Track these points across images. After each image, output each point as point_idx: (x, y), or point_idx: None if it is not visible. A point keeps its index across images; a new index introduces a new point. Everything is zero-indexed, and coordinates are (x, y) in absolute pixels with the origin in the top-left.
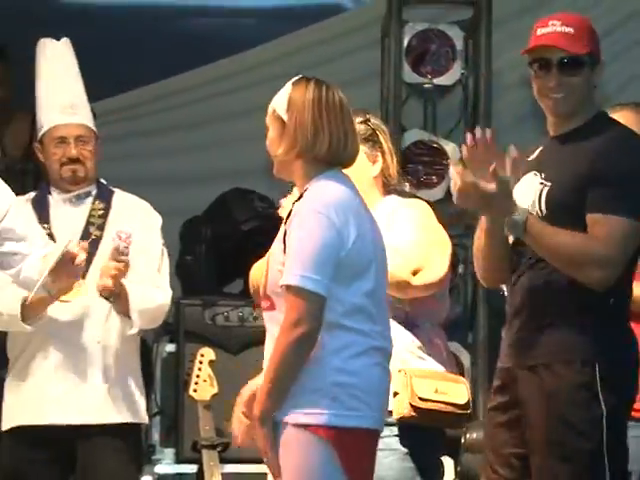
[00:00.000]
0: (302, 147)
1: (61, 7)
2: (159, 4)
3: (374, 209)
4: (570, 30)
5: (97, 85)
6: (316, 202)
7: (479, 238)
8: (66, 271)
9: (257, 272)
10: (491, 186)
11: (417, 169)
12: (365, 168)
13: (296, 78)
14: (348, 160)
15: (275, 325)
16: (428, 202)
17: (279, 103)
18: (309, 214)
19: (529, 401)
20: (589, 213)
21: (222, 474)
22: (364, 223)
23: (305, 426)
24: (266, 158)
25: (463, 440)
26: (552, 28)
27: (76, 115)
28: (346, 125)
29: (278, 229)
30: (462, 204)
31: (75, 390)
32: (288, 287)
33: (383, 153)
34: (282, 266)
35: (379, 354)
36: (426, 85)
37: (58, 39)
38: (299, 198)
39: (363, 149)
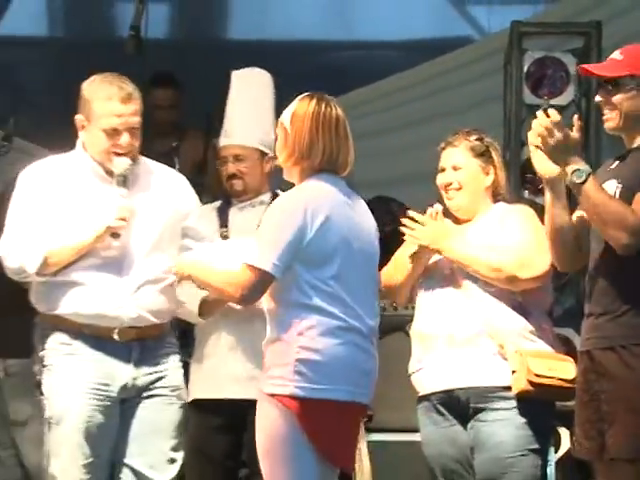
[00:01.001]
0: (298, 156)
1: (218, 41)
2: (306, 40)
3: (485, 214)
4: (619, 57)
5: None
6: (288, 199)
7: (546, 226)
8: None
9: (385, 275)
10: (574, 134)
11: (535, 178)
12: (479, 178)
13: (302, 95)
14: (341, 169)
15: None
16: (544, 206)
17: (286, 116)
18: (278, 210)
19: (610, 376)
20: (638, 192)
21: (367, 442)
22: (340, 217)
23: (272, 395)
24: (402, 170)
25: None
26: (610, 55)
27: (233, 137)
28: (340, 138)
29: None
30: (543, 142)
31: (245, 369)
32: (249, 265)
33: (495, 167)
34: None
35: (350, 333)
36: (543, 105)
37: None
38: (273, 197)
39: (478, 162)
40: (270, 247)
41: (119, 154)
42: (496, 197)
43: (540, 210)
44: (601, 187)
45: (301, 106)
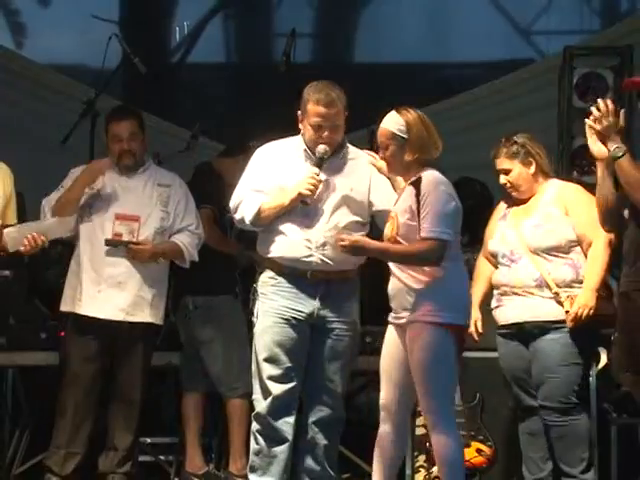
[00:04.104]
0: (420, 155)
1: (345, 64)
2: (410, 61)
3: (544, 190)
4: None
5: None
6: (439, 182)
7: (597, 194)
8: None
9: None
10: (620, 120)
11: (582, 163)
12: (524, 171)
13: (400, 108)
14: (436, 157)
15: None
16: (591, 184)
17: (396, 127)
18: (438, 189)
19: None
20: None
21: None
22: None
23: (435, 323)
24: (481, 158)
25: (613, 337)
26: None
27: None
28: (436, 136)
29: (488, 206)
30: (598, 123)
31: None
32: (430, 238)
33: (533, 157)
34: (410, 221)
35: (468, 279)
36: (588, 109)
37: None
38: (416, 180)
39: (517, 161)
40: (444, 220)
41: (322, 144)
42: (547, 176)
43: (586, 187)
44: (633, 162)
45: (407, 117)
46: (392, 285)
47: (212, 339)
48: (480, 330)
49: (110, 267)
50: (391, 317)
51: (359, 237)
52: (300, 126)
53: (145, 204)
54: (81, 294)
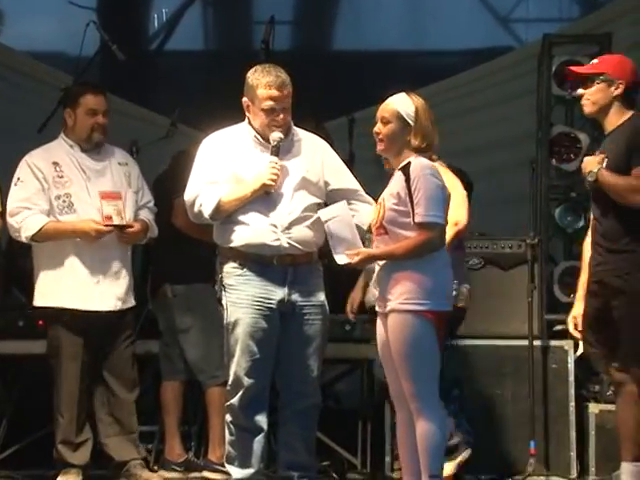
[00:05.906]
0: (425, 142)
1: (324, 51)
2: (389, 49)
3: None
4: (595, 61)
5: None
6: (428, 168)
7: None
8: None
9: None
10: None
11: (560, 150)
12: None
13: (410, 94)
14: (432, 147)
15: (385, 245)
16: (567, 171)
17: (405, 109)
18: (428, 175)
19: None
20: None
21: None
22: None
23: (416, 311)
24: (461, 145)
25: None
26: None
27: None
28: (434, 126)
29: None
30: None
31: None
32: (426, 223)
33: None
34: (396, 206)
35: (450, 265)
36: (567, 96)
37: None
38: (405, 166)
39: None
40: (437, 204)
41: (276, 127)
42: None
43: (564, 175)
44: (611, 175)
45: (419, 104)
46: (375, 273)
47: (191, 327)
48: None
49: (104, 258)
50: (376, 306)
51: (364, 250)
52: (247, 113)
53: (119, 187)
54: (75, 289)
